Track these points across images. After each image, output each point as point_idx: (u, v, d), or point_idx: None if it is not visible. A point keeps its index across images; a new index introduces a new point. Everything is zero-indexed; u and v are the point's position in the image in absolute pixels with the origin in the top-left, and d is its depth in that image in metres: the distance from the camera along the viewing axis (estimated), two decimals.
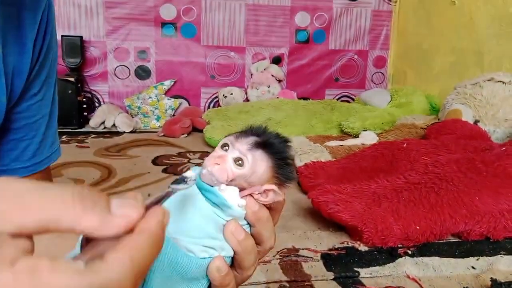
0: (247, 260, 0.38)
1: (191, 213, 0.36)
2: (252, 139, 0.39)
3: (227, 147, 0.39)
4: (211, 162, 0.37)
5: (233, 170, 0.37)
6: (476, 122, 1.76)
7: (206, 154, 1.91)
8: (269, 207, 0.40)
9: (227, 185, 0.37)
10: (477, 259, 1.05)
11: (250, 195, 0.38)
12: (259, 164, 0.38)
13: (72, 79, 2.28)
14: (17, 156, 0.51)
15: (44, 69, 0.50)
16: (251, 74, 2.67)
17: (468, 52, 2.19)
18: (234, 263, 0.39)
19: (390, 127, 2.02)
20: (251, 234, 0.39)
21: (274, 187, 0.38)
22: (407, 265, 1.01)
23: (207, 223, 0.37)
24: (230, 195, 0.37)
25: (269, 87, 2.62)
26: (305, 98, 2.66)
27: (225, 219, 0.37)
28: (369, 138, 1.81)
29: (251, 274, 0.39)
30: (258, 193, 0.38)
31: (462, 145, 1.45)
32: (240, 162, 0.37)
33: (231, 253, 0.38)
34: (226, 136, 0.40)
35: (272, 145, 0.39)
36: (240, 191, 0.38)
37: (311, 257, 1.05)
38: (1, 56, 0.44)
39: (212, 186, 0.37)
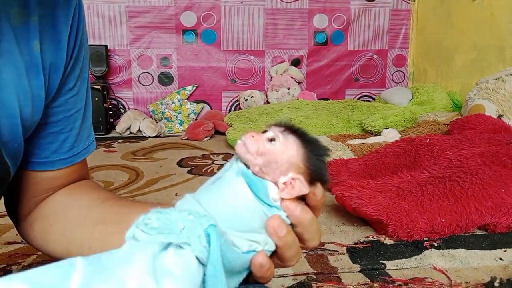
0: (288, 254, 0.40)
1: (240, 208, 0.38)
2: (289, 127, 0.41)
3: (265, 132, 0.41)
4: (247, 135, 0.39)
5: (265, 145, 0.39)
6: (499, 116, 1.75)
7: (229, 155, 1.96)
8: (309, 205, 0.40)
9: (260, 169, 0.39)
10: (505, 251, 1.05)
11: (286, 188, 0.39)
12: (290, 146, 0.39)
13: (98, 87, 2.36)
14: (56, 148, 0.54)
15: (78, 64, 0.53)
16: (271, 77, 2.71)
17: (489, 48, 2.17)
18: (276, 254, 0.40)
19: (412, 125, 2.01)
20: (294, 233, 0.40)
21: (300, 176, 0.39)
22: (433, 257, 1.01)
23: (254, 218, 0.38)
24: (271, 186, 0.39)
25: (289, 89, 2.65)
26: (325, 99, 2.67)
27: (269, 215, 0.39)
28: (391, 135, 1.82)
29: (293, 264, 0.41)
30: (284, 183, 0.39)
31: (486, 139, 1.44)
32: (273, 140, 0.39)
33: (273, 247, 0.40)
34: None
35: (305, 135, 0.40)
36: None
37: (337, 251, 1.07)
38: (39, 54, 0.47)
39: (248, 168, 0.39)
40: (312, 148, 0.40)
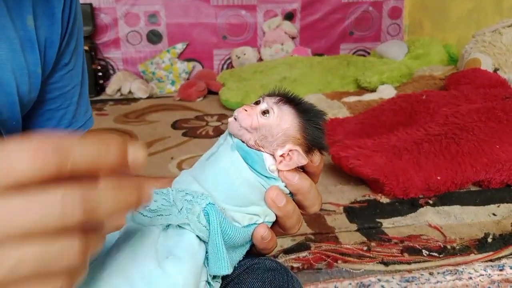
0: (289, 223, 0.40)
1: (237, 183, 0.37)
2: (283, 97, 0.39)
3: (259, 103, 0.39)
4: (240, 109, 0.38)
5: (259, 118, 0.37)
6: (495, 70, 1.73)
7: (224, 116, 1.94)
8: (307, 171, 0.39)
9: (256, 142, 0.38)
10: (498, 206, 1.07)
11: (279, 157, 0.38)
12: (285, 118, 0.38)
13: (86, 48, 2.28)
14: (55, 125, 0.52)
15: (73, 39, 0.51)
16: (264, 33, 2.63)
17: None
18: (277, 223, 0.40)
19: (408, 80, 1.99)
20: (294, 200, 0.40)
21: (297, 148, 0.37)
22: (428, 214, 1.03)
23: (252, 191, 0.37)
24: (267, 157, 0.38)
25: (282, 44, 2.58)
26: (319, 54, 2.62)
27: (267, 187, 0.38)
28: (386, 92, 1.80)
29: (296, 232, 0.41)
30: (282, 155, 0.38)
31: (482, 94, 1.43)
32: (267, 113, 0.38)
33: (274, 218, 0.39)
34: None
35: (301, 104, 0.39)
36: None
37: (334, 211, 1.09)
38: (33, 29, 0.45)
39: (244, 143, 0.38)
40: (308, 116, 0.38)
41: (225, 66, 2.66)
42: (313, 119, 0.38)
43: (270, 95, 0.40)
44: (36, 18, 0.45)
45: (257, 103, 0.39)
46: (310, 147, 0.38)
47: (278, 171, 0.38)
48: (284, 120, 0.38)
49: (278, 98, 0.38)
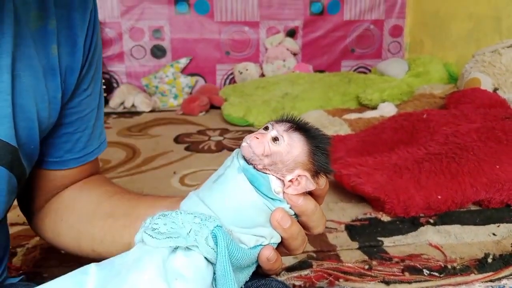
0: (294, 244, 0.41)
1: (244, 205, 0.38)
2: (291, 124, 0.41)
3: (268, 129, 0.41)
4: (251, 136, 0.39)
5: (270, 146, 0.39)
6: (495, 90, 1.75)
7: (226, 131, 1.96)
8: (312, 193, 0.41)
9: (264, 167, 0.39)
10: (498, 226, 1.08)
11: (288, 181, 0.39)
12: (295, 145, 0.39)
13: None
14: (70, 148, 0.54)
15: (93, 65, 0.53)
16: (266, 49, 2.67)
17: (486, 18, 2.14)
18: (282, 244, 0.41)
19: (409, 98, 2.01)
20: (298, 221, 0.41)
21: (306, 173, 0.39)
22: (429, 234, 1.04)
23: (258, 214, 0.39)
24: (272, 179, 0.39)
25: (284, 61, 2.62)
26: (321, 71, 2.65)
27: (273, 209, 0.39)
28: (387, 109, 1.82)
29: (300, 252, 0.42)
30: (291, 180, 0.39)
31: (482, 114, 1.45)
32: (277, 140, 0.39)
33: (279, 239, 0.41)
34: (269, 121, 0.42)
35: (309, 131, 0.40)
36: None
37: (335, 228, 1.10)
38: (57, 57, 0.47)
39: (252, 166, 0.39)
40: (316, 143, 0.40)
41: (227, 81, 2.69)
42: (321, 145, 0.40)
43: (279, 121, 0.41)
44: (59, 46, 0.47)
45: (265, 128, 0.41)
46: (317, 171, 0.40)
47: (284, 193, 0.40)
48: (294, 147, 0.39)
49: (288, 125, 0.40)
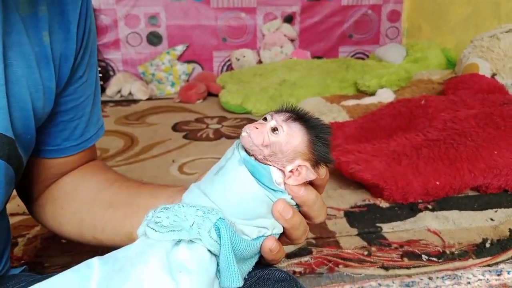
0: (295, 234, 0.41)
1: (245, 197, 0.38)
2: (290, 114, 0.40)
3: (267, 119, 0.40)
4: (251, 126, 0.39)
5: (269, 136, 0.39)
6: (493, 75, 1.75)
7: (224, 118, 1.96)
8: (312, 183, 0.41)
9: (265, 157, 0.39)
10: (496, 211, 1.08)
11: (289, 172, 0.39)
12: (294, 135, 0.39)
13: None
14: (67, 136, 0.53)
15: (87, 52, 0.52)
16: (263, 35, 2.65)
17: (485, 3, 2.13)
18: (284, 234, 0.41)
19: (407, 84, 2.01)
20: (300, 211, 0.41)
21: (307, 163, 0.39)
22: (427, 219, 1.05)
23: (260, 205, 0.39)
24: (273, 171, 0.39)
25: (282, 47, 2.60)
26: (318, 57, 2.63)
27: (275, 200, 0.39)
28: (385, 95, 1.82)
29: (302, 242, 0.43)
30: (291, 170, 0.39)
31: (480, 100, 1.45)
32: (276, 130, 0.39)
33: (281, 230, 0.41)
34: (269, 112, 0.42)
35: (309, 121, 0.40)
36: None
37: (334, 215, 1.10)
38: (49, 45, 0.46)
39: (252, 156, 0.39)
40: (316, 133, 0.40)
41: (224, 68, 2.67)
42: (321, 135, 0.40)
43: (278, 111, 0.41)
44: (52, 33, 0.46)
45: (265, 119, 0.41)
46: (317, 161, 0.40)
47: (285, 184, 0.40)
48: (294, 137, 0.39)
49: (287, 115, 0.40)
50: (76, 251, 0.92)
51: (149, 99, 2.35)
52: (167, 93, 2.48)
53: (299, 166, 0.39)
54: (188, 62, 2.59)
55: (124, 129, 1.85)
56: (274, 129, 0.39)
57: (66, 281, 0.35)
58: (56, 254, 0.95)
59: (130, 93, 2.36)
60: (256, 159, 0.39)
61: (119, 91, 2.37)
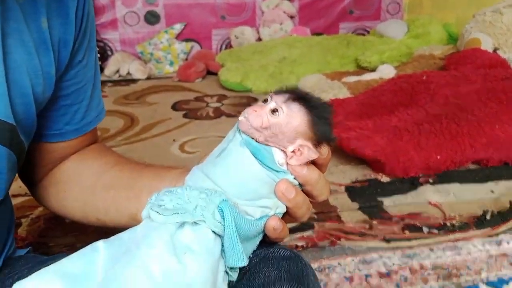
0: (299, 213, 0.41)
1: (248, 178, 0.39)
2: (290, 94, 0.40)
3: (267, 101, 0.40)
4: (249, 109, 0.39)
5: (269, 117, 0.38)
6: (495, 50, 1.73)
7: (223, 97, 1.95)
8: (315, 162, 0.40)
9: (266, 139, 0.39)
10: (496, 184, 1.09)
11: (289, 152, 0.39)
12: (294, 115, 0.39)
13: None
14: (68, 120, 0.53)
15: (86, 36, 0.51)
16: (262, 12, 2.61)
17: None
18: (287, 213, 0.42)
19: (408, 59, 1.99)
20: (303, 190, 0.41)
21: (308, 143, 0.39)
22: (428, 193, 1.06)
23: (262, 186, 0.39)
24: (275, 151, 0.39)
25: (281, 24, 2.56)
26: (318, 34, 2.60)
27: (277, 180, 0.39)
28: (386, 71, 1.80)
29: (306, 219, 0.43)
30: (293, 151, 0.39)
31: (482, 75, 1.44)
32: (276, 112, 0.39)
33: (285, 209, 0.41)
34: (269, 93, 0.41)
35: (309, 101, 0.40)
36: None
37: (336, 190, 1.11)
38: (48, 30, 0.45)
39: (254, 140, 0.39)
40: (317, 112, 0.39)
41: (223, 46, 2.64)
42: (322, 114, 0.39)
43: (278, 93, 0.40)
44: (50, 19, 0.45)
45: (265, 101, 0.40)
46: (318, 140, 0.40)
47: (287, 164, 0.40)
48: (294, 118, 0.39)
49: (287, 96, 0.39)
50: (80, 231, 0.93)
51: (147, 78, 2.33)
52: (165, 72, 2.46)
53: (300, 146, 0.39)
54: (187, 40, 2.55)
55: (124, 109, 1.84)
56: (274, 111, 0.39)
57: (73, 264, 0.35)
58: (60, 234, 0.96)
59: (128, 73, 2.34)
60: (257, 141, 0.39)
61: (117, 71, 2.36)
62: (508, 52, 1.71)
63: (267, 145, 0.39)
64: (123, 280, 0.33)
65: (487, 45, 1.72)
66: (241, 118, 0.39)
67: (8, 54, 0.42)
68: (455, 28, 2.26)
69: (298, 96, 0.39)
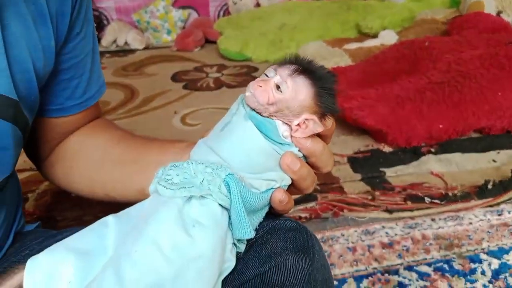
0: (304, 184, 0.41)
1: (253, 152, 0.39)
2: (295, 66, 0.39)
3: (271, 74, 0.39)
4: (254, 85, 0.38)
5: (274, 94, 0.38)
6: (499, 13, 1.70)
7: (223, 67, 1.92)
8: (319, 134, 0.40)
9: (270, 114, 0.39)
10: (498, 153, 1.10)
11: (295, 126, 0.39)
12: (300, 89, 0.38)
13: None
14: (69, 95, 0.53)
15: (83, 6, 0.50)
16: None
17: None
18: (293, 185, 0.42)
19: (410, 24, 1.95)
20: (307, 162, 0.41)
21: (314, 117, 0.38)
22: (430, 163, 1.07)
23: (267, 159, 0.39)
24: (279, 124, 0.39)
25: None
26: None
27: (282, 153, 0.39)
28: (388, 37, 1.77)
29: (311, 191, 0.43)
30: (298, 124, 0.39)
31: (485, 40, 1.42)
32: (280, 87, 0.38)
33: (290, 181, 0.41)
34: (271, 65, 0.41)
35: (314, 73, 0.39)
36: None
37: (338, 161, 1.12)
38: (44, 2, 0.44)
39: (258, 113, 0.39)
40: (322, 84, 0.39)
41: (221, 13, 2.58)
42: (327, 86, 0.39)
43: (282, 65, 0.40)
44: None
45: (268, 73, 0.40)
46: (323, 113, 0.40)
47: (291, 136, 0.40)
48: (300, 92, 0.38)
49: (291, 69, 0.39)
50: (87, 205, 0.95)
51: (145, 48, 2.29)
52: (163, 41, 2.42)
53: (306, 119, 0.39)
54: (184, 7, 2.49)
55: (123, 81, 1.82)
56: (279, 86, 0.38)
57: (84, 239, 0.36)
58: (68, 208, 0.97)
59: (126, 43, 2.30)
60: (261, 115, 0.39)
61: (114, 41, 2.31)
62: (511, 15, 1.67)
63: (271, 118, 0.39)
64: (134, 254, 0.33)
65: (490, 8, 1.68)
66: (247, 93, 0.39)
67: (6, 28, 0.41)
68: None
69: (303, 68, 0.39)
